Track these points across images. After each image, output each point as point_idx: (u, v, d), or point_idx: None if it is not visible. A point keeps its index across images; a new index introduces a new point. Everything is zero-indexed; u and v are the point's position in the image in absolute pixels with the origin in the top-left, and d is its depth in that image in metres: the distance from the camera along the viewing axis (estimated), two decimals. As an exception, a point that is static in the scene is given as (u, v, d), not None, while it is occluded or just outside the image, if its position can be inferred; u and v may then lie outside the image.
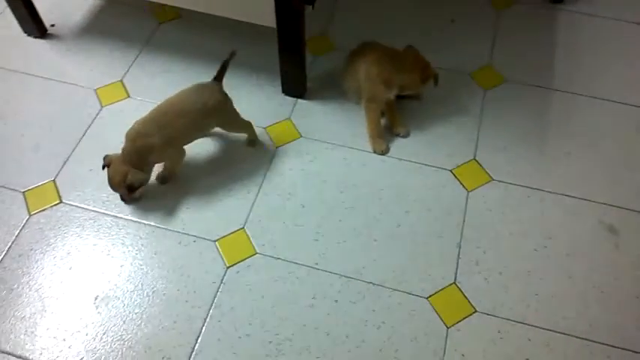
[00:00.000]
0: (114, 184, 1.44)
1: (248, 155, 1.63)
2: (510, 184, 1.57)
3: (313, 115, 1.73)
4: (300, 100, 1.77)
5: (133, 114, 1.50)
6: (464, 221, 1.50)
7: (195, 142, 1.55)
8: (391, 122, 1.67)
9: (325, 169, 1.61)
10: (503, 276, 1.41)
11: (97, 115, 1.72)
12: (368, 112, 1.64)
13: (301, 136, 1.68)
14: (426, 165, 1.62)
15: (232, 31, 1.91)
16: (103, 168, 1.45)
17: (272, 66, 1.76)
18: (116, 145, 1.46)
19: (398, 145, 1.66)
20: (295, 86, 1.75)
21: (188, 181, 1.57)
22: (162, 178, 1.56)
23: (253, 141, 1.65)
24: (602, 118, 1.71)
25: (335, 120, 1.72)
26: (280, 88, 1.77)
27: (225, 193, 1.56)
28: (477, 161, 1.62)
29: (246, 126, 1.63)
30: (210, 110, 1.48)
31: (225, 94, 1.53)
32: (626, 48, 1.89)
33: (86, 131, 1.68)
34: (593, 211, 1.51)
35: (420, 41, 1.68)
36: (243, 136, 1.65)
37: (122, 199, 1.49)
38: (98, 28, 1.95)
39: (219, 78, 1.52)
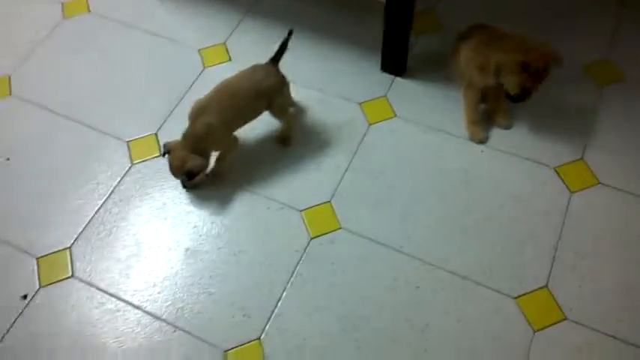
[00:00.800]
0: (174, 170, 1.44)
1: (340, 129, 1.62)
2: (619, 190, 1.46)
3: (411, 96, 1.68)
4: (398, 79, 1.72)
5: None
6: (563, 223, 1.41)
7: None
8: (493, 112, 1.59)
9: (418, 151, 1.57)
10: (599, 286, 1.32)
11: (199, 75, 1.76)
12: (464, 97, 1.57)
13: (396, 116, 1.64)
14: (527, 159, 1.53)
15: (334, 2, 1.88)
16: (164, 155, 1.45)
17: (371, 41, 1.73)
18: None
19: (499, 136, 1.58)
20: (395, 63, 1.70)
21: (280, 149, 1.59)
22: (214, 173, 1.51)
23: (289, 138, 1.57)
24: None
25: (434, 103, 1.66)
26: (378, 64, 1.73)
27: (315, 165, 1.56)
28: (584, 161, 1.51)
29: (291, 117, 1.59)
30: (264, 91, 1.44)
31: (282, 76, 1.50)
32: None
33: (187, 91, 1.73)
34: None
35: (533, 26, 1.58)
36: (335, 113, 1.64)
37: (183, 185, 1.49)
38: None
39: (276, 58, 1.49)
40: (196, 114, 1.42)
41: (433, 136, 1.59)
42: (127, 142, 1.63)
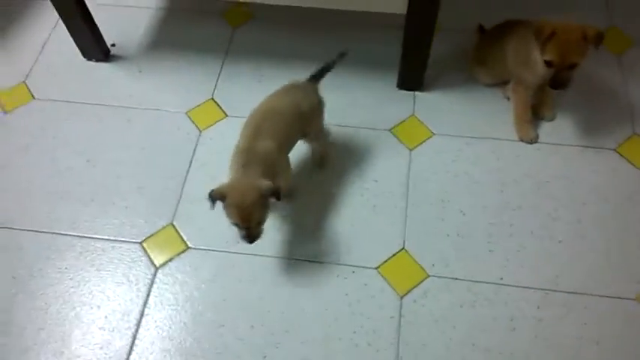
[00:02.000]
0: (246, 209, 1.09)
1: (381, 163, 1.43)
2: (687, 155, 1.40)
3: (439, 108, 1.53)
4: (418, 94, 1.56)
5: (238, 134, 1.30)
6: (655, 206, 1.33)
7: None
8: (537, 105, 1.48)
9: (474, 166, 1.42)
10: None
11: (198, 141, 1.50)
12: (515, 95, 1.45)
13: (434, 134, 1.49)
14: (586, 147, 1.43)
15: (314, 26, 1.70)
16: (213, 205, 1.11)
17: (379, 59, 1.57)
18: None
19: (545, 131, 1.47)
20: (414, 78, 1.54)
21: (319, 204, 1.38)
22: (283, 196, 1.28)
23: (325, 159, 1.43)
24: None
25: (465, 110, 1.52)
26: (393, 82, 1.57)
27: (369, 212, 1.36)
28: (639, 135, 1.44)
29: (326, 137, 1.42)
30: (305, 113, 1.26)
31: (321, 97, 1.33)
32: None
33: (189, 166, 1.46)
34: None
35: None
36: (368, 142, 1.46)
37: (247, 235, 1.13)
38: (167, 42, 1.71)
39: (317, 78, 1.32)
40: (250, 141, 1.18)
41: (481, 146, 1.45)
42: (140, 242, 1.34)
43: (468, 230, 1.32)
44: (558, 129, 1.47)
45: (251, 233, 1.13)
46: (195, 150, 1.48)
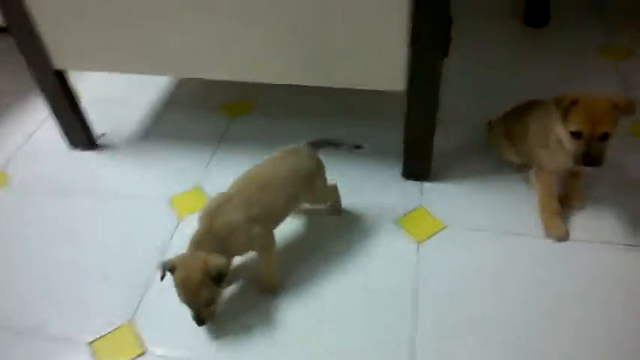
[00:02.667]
0: (191, 287, 0.99)
1: (386, 257, 1.22)
2: None
3: (449, 199, 1.35)
4: (425, 184, 1.40)
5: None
6: None
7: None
8: (566, 193, 1.31)
9: (497, 264, 1.20)
10: None
11: (176, 230, 1.32)
12: (538, 183, 1.27)
13: (446, 226, 1.29)
14: (627, 245, 1.21)
15: (312, 118, 1.61)
16: (162, 277, 1.02)
17: (382, 146, 1.46)
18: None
19: (575, 224, 1.27)
20: (420, 167, 1.39)
21: (310, 304, 1.15)
22: (263, 288, 1.17)
23: (339, 208, 1.33)
24: None
25: (479, 201, 1.34)
26: (398, 171, 1.41)
27: (374, 308, 1.12)
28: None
29: (333, 190, 1.31)
30: (305, 178, 1.17)
31: (320, 160, 1.22)
32: None
33: (166, 252, 1.27)
34: None
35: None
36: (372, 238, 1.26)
37: (198, 317, 1.03)
38: (160, 132, 1.63)
39: (316, 145, 1.24)
40: (215, 208, 1.06)
41: (503, 242, 1.24)
42: (91, 342, 1.10)
43: (489, 335, 1.06)
44: (588, 221, 1.27)
45: (200, 314, 1.03)
46: (172, 238, 1.30)
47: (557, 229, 1.23)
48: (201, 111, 1.69)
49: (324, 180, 1.25)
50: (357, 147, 1.28)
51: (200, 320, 1.03)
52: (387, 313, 1.12)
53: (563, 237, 1.23)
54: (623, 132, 1.43)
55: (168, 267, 1.00)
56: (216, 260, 0.99)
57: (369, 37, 1.16)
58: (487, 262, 1.20)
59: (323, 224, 1.31)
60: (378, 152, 1.47)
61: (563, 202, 1.29)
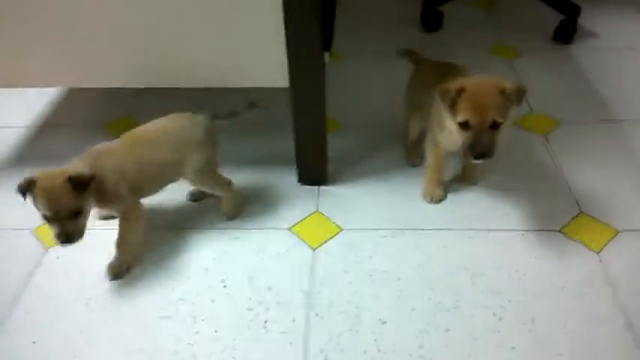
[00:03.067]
0: (53, 195, 0.93)
1: (275, 270, 1.12)
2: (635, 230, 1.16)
3: (348, 202, 1.28)
4: (323, 188, 1.32)
5: (94, 253, 1.10)
6: (614, 294, 1.03)
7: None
8: (464, 170, 1.32)
9: (394, 263, 1.12)
10: None
11: (42, 261, 1.16)
12: (429, 155, 1.25)
13: (342, 229, 1.21)
14: (526, 231, 1.18)
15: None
16: (24, 196, 0.95)
17: (273, 154, 1.37)
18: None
19: (475, 214, 1.22)
20: (315, 172, 1.31)
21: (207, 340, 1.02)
22: (114, 268, 1.11)
23: (232, 210, 1.24)
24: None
25: (377, 201, 1.28)
26: (294, 177, 1.33)
27: (259, 331, 1.00)
28: (585, 214, 1.21)
29: (224, 184, 1.21)
30: (188, 146, 1.10)
31: (213, 134, 1.15)
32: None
33: (26, 286, 1.10)
34: None
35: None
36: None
37: (60, 231, 0.95)
38: (33, 157, 1.46)
39: (215, 117, 1.17)
40: (93, 157, 1.04)
41: (401, 239, 1.18)
42: None
43: (391, 343, 0.97)
44: (491, 212, 1.23)
45: (64, 228, 0.95)
46: (37, 269, 1.14)
47: (432, 192, 1.26)
48: (83, 131, 1.54)
49: (212, 160, 1.15)
50: (251, 106, 1.21)
51: (66, 235, 0.95)
52: (279, 323, 1.00)
53: (437, 199, 1.26)
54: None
55: (26, 184, 0.94)
56: (78, 169, 0.97)
57: (242, 33, 1.09)
58: (382, 262, 1.12)
59: (214, 233, 1.20)
60: (275, 159, 1.39)
61: (462, 178, 1.30)
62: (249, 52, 1.11)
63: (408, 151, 1.38)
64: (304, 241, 1.18)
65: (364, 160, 1.39)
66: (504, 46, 1.82)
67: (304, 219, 1.24)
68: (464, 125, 1.03)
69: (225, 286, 1.09)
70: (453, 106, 1.04)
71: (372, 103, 1.59)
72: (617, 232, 1.16)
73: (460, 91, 1.03)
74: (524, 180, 1.30)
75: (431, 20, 1.91)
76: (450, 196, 1.28)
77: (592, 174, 1.31)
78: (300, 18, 1.03)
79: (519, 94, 1.03)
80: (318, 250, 1.16)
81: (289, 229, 1.21)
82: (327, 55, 1.14)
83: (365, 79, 1.71)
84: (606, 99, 1.55)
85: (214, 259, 1.15)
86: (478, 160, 1.05)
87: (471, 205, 1.25)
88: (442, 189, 1.27)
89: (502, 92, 1.02)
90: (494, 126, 1.02)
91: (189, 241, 1.19)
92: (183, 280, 1.10)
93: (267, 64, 1.12)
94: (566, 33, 1.80)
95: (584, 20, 1.88)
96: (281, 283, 1.09)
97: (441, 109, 1.11)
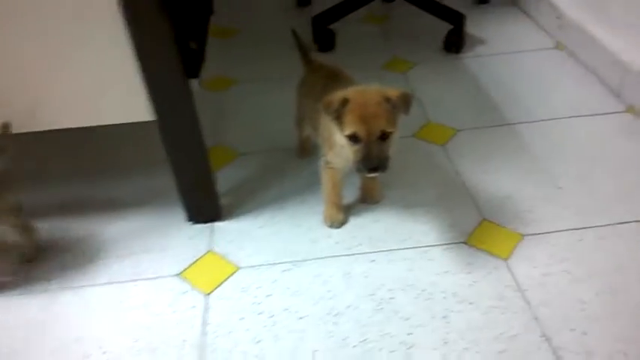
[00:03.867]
0: None
1: (160, 327, 0.98)
2: (546, 233, 1.14)
3: (245, 236, 1.17)
4: (217, 224, 1.21)
5: None
6: (528, 303, 0.99)
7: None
8: (363, 189, 1.25)
9: (295, 299, 1.02)
10: (624, 358, 0.89)
11: None
12: (323, 174, 1.16)
13: (239, 267, 1.10)
14: (430, 246, 1.12)
15: (78, 175, 1.36)
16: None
17: (154, 192, 1.24)
18: None
19: (376, 235, 1.15)
20: (205, 206, 1.19)
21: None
22: None
23: (30, 254, 1.11)
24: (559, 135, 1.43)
25: (277, 233, 1.18)
26: (184, 215, 1.21)
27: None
28: (488, 221, 1.17)
29: (26, 229, 1.09)
30: None
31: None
32: (533, 71, 1.73)
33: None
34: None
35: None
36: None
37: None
38: None
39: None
40: None
41: (302, 271, 1.08)
42: None
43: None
44: (394, 231, 1.16)
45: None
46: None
47: (332, 217, 1.18)
48: None
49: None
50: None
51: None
52: (165, 394, 0.87)
53: (338, 224, 1.18)
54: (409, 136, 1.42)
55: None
56: None
57: (94, 68, 0.96)
58: (282, 300, 1.02)
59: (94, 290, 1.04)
60: (161, 198, 1.25)
61: (361, 197, 1.25)
62: (104, 87, 0.98)
63: (300, 145, 1.35)
64: (195, 288, 1.05)
65: (263, 189, 1.30)
66: (397, 60, 1.80)
67: (195, 262, 1.11)
68: (352, 138, 0.97)
69: (104, 352, 0.94)
70: (338, 119, 0.97)
71: (269, 127, 1.51)
72: (522, 237, 1.12)
73: (344, 103, 0.96)
74: (426, 193, 1.26)
75: (323, 40, 1.87)
76: (351, 218, 1.20)
77: (492, 179, 1.28)
78: (152, 45, 0.93)
79: (405, 101, 0.98)
80: (211, 295, 1.04)
81: (179, 275, 1.08)
82: (195, 82, 1.04)
83: (261, 104, 1.62)
84: (499, 103, 1.56)
85: (89, 326, 0.99)
86: (372, 174, 0.99)
87: (373, 225, 1.18)
88: (342, 212, 1.19)
89: (387, 100, 0.97)
90: (384, 136, 0.96)
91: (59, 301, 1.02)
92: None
93: (127, 98, 1.00)
94: (455, 42, 1.82)
95: (472, 28, 1.91)
96: (167, 342, 0.95)
97: (328, 125, 1.04)
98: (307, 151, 1.36)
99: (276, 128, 1.49)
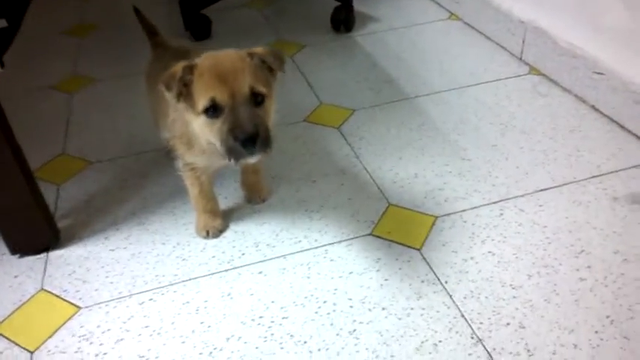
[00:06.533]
0: None
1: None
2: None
3: (91, 265, 0.89)
4: (54, 253, 0.92)
5: None
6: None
7: None
8: (246, 190, 1.02)
9: (157, 340, 0.76)
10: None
11: None
12: (186, 180, 0.92)
13: (80, 307, 0.82)
14: (333, 244, 0.90)
15: None
16: None
17: None
18: None
19: (269, 240, 0.92)
20: (33, 233, 0.90)
21: None
22: None
23: None
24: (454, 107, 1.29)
25: (135, 256, 0.91)
26: (6, 247, 0.91)
27: None
28: (396, 206, 0.98)
29: None
30: None
31: None
32: (430, 43, 1.59)
33: None
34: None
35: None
36: None
37: None
38: None
39: None
40: None
41: (165, 300, 0.82)
42: None
43: None
44: (286, 232, 0.93)
45: None
46: None
47: (206, 225, 0.94)
48: None
49: None
50: None
51: None
52: None
53: (214, 233, 0.94)
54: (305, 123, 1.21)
55: None
56: None
57: None
58: (136, 346, 0.76)
59: None
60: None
61: (245, 196, 1.01)
62: None
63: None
64: (16, 344, 0.76)
65: (117, 203, 1.02)
66: (283, 43, 1.60)
67: (19, 308, 0.82)
68: (211, 110, 0.72)
69: None
70: (186, 96, 0.73)
71: (129, 129, 1.24)
72: (435, 220, 0.94)
73: (191, 68, 0.73)
74: (322, 183, 1.05)
75: (197, 26, 1.62)
76: (232, 224, 0.96)
77: (395, 160, 1.10)
78: None
79: (275, 57, 0.76)
80: (38, 351, 0.75)
81: (-6, 329, 0.79)
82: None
83: (121, 103, 1.34)
84: (397, 79, 1.39)
85: None
86: (251, 154, 0.72)
87: (259, 229, 0.95)
88: (219, 217, 0.95)
89: (251, 56, 0.74)
90: (256, 99, 0.73)
91: None
92: None
93: None
94: (344, 20, 1.64)
95: (362, 7, 1.75)
96: None
97: (179, 113, 0.80)
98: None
99: (137, 129, 1.23)
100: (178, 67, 0.73)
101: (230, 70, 0.71)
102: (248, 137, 0.70)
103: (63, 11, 1.86)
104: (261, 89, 0.73)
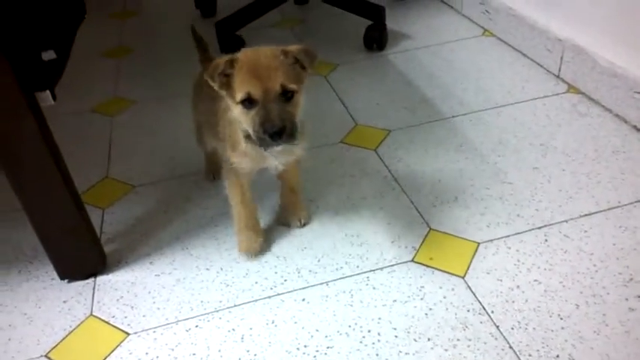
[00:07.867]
0: None
1: None
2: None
3: (138, 291, 0.91)
4: (101, 278, 0.94)
5: None
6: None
7: None
8: (284, 210, 1.03)
9: (203, 368, 0.77)
10: None
11: None
12: (229, 188, 0.94)
13: (129, 334, 0.84)
14: (375, 271, 0.90)
15: None
16: None
17: (15, 243, 0.96)
18: None
19: (310, 266, 0.93)
20: (81, 258, 0.93)
21: None
22: None
23: None
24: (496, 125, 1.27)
25: (180, 281, 0.93)
26: (53, 273, 0.93)
27: None
28: (437, 231, 0.98)
29: None
30: None
31: None
32: (464, 60, 1.59)
33: None
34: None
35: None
36: None
37: None
38: None
39: None
40: None
41: (210, 327, 0.83)
42: None
43: None
44: (327, 258, 0.94)
45: None
46: None
47: (249, 245, 0.96)
48: None
49: None
50: None
51: None
52: None
53: (253, 253, 0.96)
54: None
55: None
56: None
57: None
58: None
59: None
60: (24, 252, 0.98)
61: (283, 218, 1.03)
62: None
63: (207, 162, 1.15)
64: (68, 369, 0.79)
65: (161, 228, 1.04)
66: (317, 63, 1.61)
67: (70, 333, 0.84)
68: (247, 103, 0.79)
69: None
70: (227, 88, 0.80)
71: (171, 152, 1.26)
72: (478, 245, 0.93)
73: (232, 62, 0.79)
74: (360, 206, 1.05)
75: (231, 47, 1.64)
76: (273, 247, 0.97)
77: (434, 182, 1.09)
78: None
79: (307, 55, 0.81)
80: (89, 378, 0.77)
81: (45, 356, 0.81)
82: (45, 95, 0.79)
83: (162, 125, 1.37)
84: (432, 98, 1.39)
85: None
86: (277, 143, 0.79)
87: (300, 254, 0.95)
88: (261, 236, 0.97)
89: (285, 54, 0.80)
90: (287, 95, 0.79)
91: None
92: None
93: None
94: (377, 38, 1.65)
95: (394, 25, 1.76)
96: None
97: (225, 116, 0.86)
98: (216, 167, 1.11)
99: (178, 152, 1.25)
100: (221, 60, 0.79)
101: (264, 67, 0.78)
102: (276, 131, 0.77)
103: (101, 34, 1.91)
104: (292, 86, 0.79)
